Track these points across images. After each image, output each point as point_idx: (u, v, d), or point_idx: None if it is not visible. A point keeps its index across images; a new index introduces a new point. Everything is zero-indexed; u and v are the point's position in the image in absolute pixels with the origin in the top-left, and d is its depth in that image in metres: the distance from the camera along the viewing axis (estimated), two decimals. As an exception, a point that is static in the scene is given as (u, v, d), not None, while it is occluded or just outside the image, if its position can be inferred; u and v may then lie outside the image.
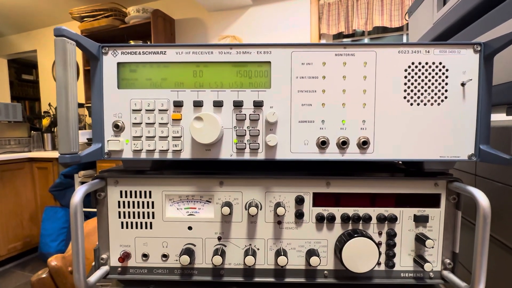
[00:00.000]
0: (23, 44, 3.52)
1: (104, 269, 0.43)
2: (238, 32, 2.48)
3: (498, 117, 0.53)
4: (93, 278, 0.40)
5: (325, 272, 0.43)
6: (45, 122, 2.80)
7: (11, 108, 2.53)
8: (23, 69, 4.39)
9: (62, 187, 2.28)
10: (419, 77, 0.39)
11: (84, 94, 2.78)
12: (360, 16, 2.15)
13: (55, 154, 2.39)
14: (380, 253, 0.40)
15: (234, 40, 2.46)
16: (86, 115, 2.90)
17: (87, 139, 2.46)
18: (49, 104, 3.01)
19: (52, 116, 2.81)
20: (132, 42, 2.47)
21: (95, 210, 0.44)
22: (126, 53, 0.40)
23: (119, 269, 0.44)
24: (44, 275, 0.60)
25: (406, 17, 1.05)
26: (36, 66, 3.59)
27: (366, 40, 2.38)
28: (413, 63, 0.39)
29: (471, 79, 0.39)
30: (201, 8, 2.54)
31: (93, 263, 0.46)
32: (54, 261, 0.61)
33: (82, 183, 2.22)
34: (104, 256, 0.44)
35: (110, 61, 0.40)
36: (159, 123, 0.40)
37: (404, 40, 2.25)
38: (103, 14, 2.47)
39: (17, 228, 2.38)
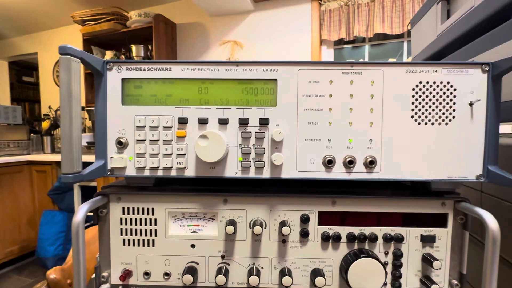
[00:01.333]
0: (24, 46, 3.52)
1: (105, 287, 0.42)
2: (240, 37, 2.49)
3: (505, 136, 0.53)
4: (93, 298, 0.39)
5: (330, 292, 0.43)
6: (45, 124, 2.79)
7: (10, 111, 2.52)
8: (24, 71, 4.39)
9: (60, 191, 2.27)
10: (427, 96, 0.39)
11: (85, 97, 2.77)
12: (361, 22, 2.16)
13: (54, 157, 2.38)
14: (386, 274, 0.40)
15: (236, 45, 2.47)
16: (86, 118, 2.90)
17: (87, 142, 2.45)
18: (49, 107, 3.00)
19: (52, 118, 2.80)
20: (133, 46, 2.48)
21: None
22: (130, 69, 0.40)
23: (120, 287, 0.43)
24: (42, 288, 0.60)
25: (408, 27, 1.06)
26: (36, 68, 3.59)
27: (367, 47, 2.38)
28: (420, 82, 0.39)
29: (479, 100, 0.38)
30: (203, 13, 2.54)
31: (93, 275, 0.45)
32: (53, 274, 0.60)
33: (81, 187, 2.21)
34: (105, 274, 0.43)
35: (114, 77, 0.40)
36: (164, 140, 0.40)
37: (405, 47, 2.26)
38: (105, 18, 2.48)
39: (14, 231, 2.36)
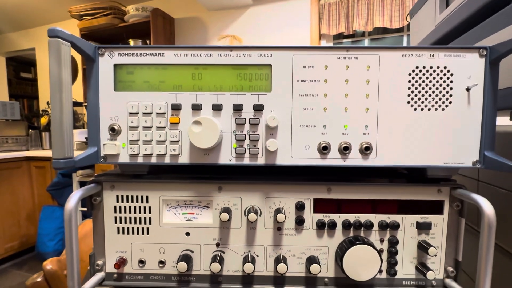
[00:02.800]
0: (21, 42, 3.49)
1: (99, 275, 0.42)
2: (238, 32, 2.47)
3: (502, 122, 0.52)
4: (87, 285, 0.39)
5: (326, 279, 0.42)
6: (43, 120, 2.78)
7: (9, 107, 2.51)
8: (22, 67, 4.36)
9: (60, 186, 2.27)
10: (423, 81, 0.38)
11: (83, 92, 2.76)
12: (360, 16, 2.14)
13: (53, 153, 2.37)
14: (381, 261, 0.39)
15: (234, 39, 2.45)
16: (84, 114, 2.89)
17: (86, 138, 2.44)
18: (48, 103, 2.99)
19: (50, 114, 2.79)
20: (131, 41, 2.46)
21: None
22: (123, 54, 0.39)
23: (115, 275, 0.43)
24: (39, 279, 0.59)
25: (407, 19, 1.05)
26: (34, 64, 3.57)
27: (366, 41, 2.37)
28: (417, 67, 0.38)
29: (476, 84, 0.38)
30: (201, 7, 2.52)
31: (89, 267, 0.45)
32: (49, 264, 0.60)
33: (80, 182, 2.21)
34: (99, 262, 0.43)
35: (106, 62, 0.39)
36: (157, 127, 0.39)
37: (405, 41, 2.24)
38: (102, 12, 2.45)
39: (14, 227, 2.36)
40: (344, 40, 2.42)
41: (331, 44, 2.38)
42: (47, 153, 2.42)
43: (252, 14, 2.44)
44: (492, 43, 0.38)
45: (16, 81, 4.30)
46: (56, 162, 0.34)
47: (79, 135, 2.43)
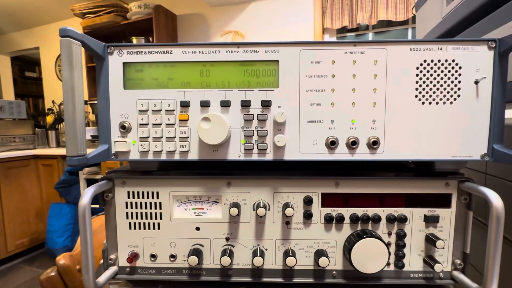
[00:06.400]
0: (25, 41, 3.52)
1: (112, 269, 0.43)
2: (241, 27, 2.46)
3: (511, 115, 0.52)
4: (102, 278, 0.40)
5: (334, 272, 0.43)
6: (49, 119, 2.81)
7: (15, 106, 2.54)
8: (26, 66, 4.40)
9: (67, 184, 2.30)
10: (431, 75, 0.38)
11: (88, 91, 2.78)
12: (364, 9, 2.11)
13: (59, 151, 2.40)
14: (389, 254, 0.40)
15: (237, 35, 2.44)
16: (89, 112, 2.91)
17: (91, 136, 2.47)
18: (53, 101, 3.02)
19: (56, 113, 2.82)
20: (134, 39, 2.46)
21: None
22: (131, 52, 0.40)
23: (128, 269, 0.44)
24: (52, 274, 0.61)
25: (413, 11, 1.03)
26: (39, 63, 3.59)
27: (370, 34, 2.34)
28: (425, 61, 0.38)
29: (485, 77, 0.38)
30: (203, 3, 2.51)
31: (101, 261, 0.46)
32: (62, 259, 0.62)
33: (87, 180, 2.24)
34: (112, 256, 0.44)
35: (115, 61, 0.40)
36: (166, 124, 0.40)
37: (410, 34, 2.21)
38: (104, 10, 2.46)
39: (24, 224, 2.41)
40: (348, 34, 2.40)
41: (334, 38, 2.36)
42: (54, 151, 2.45)
43: (255, 9, 2.42)
44: (501, 36, 0.37)
45: (21, 80, 4.35)
46: (70, 159, 0.35)
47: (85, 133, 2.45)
